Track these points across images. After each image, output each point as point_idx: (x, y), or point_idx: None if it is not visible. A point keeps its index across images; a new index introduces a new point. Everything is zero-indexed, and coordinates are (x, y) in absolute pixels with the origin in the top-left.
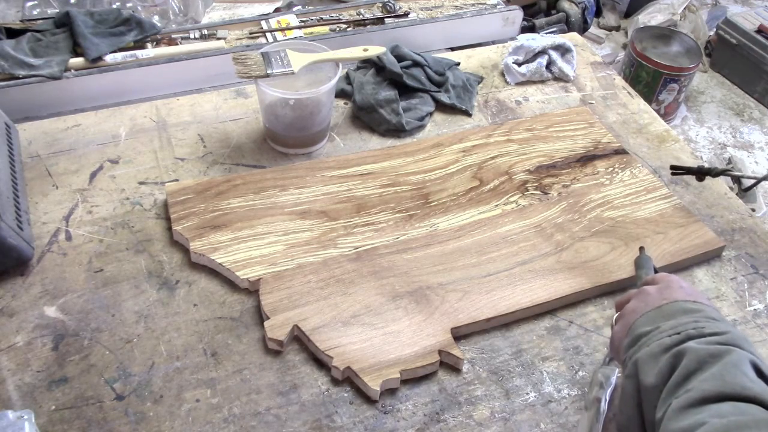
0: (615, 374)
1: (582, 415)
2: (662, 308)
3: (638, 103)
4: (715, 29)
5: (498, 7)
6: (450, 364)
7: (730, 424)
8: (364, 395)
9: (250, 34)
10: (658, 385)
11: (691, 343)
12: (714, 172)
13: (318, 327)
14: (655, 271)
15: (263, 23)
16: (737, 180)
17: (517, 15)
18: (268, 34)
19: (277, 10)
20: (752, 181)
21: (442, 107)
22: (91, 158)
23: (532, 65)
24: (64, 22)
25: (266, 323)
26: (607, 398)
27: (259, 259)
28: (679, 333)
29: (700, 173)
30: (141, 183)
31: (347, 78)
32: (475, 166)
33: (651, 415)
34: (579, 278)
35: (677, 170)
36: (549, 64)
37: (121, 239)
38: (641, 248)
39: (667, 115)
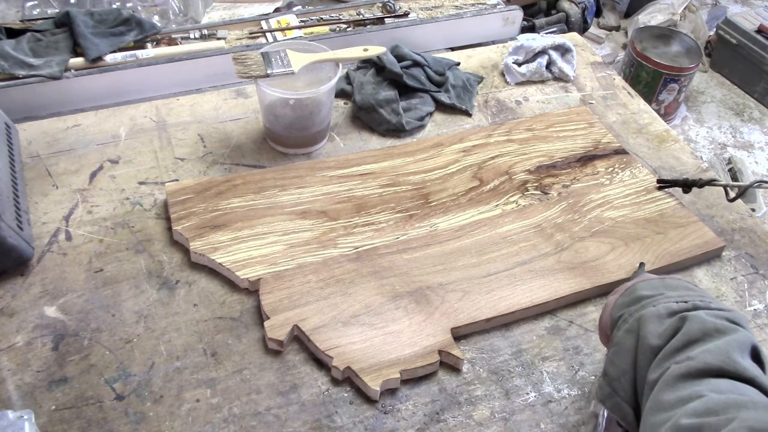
0: None
1: (579, 430)
2: (665, 280)
3: (638, 103)
4: (715, 29)
5: (498, 7)
6: (450, 364)
7: (729, 401)
8: (364, 395)
9: (250, 34)
10: (660, 346)
11: (699, 312)
12: (699, 184)
13: (318, 327)
14: None
15: (263, 23)
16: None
17: (517, 15)
18: (268, 34)
19: (277, 10)
20: (746, 184)
21: (442, 107)
22: (91, 158)
23: (532, 65)
24: (64, 22)
25: (266, 323)
26: (605, 414)
27: (259, 259)
28: (686, 302)
29: (686, 185)
30: (141, 183)
31: (347, 78)
32: (475, 166)
33: (645, 373)
34: (579, 278)
35: (663, 183)
36: (549, 64)
37: (121, 239)
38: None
39: (667, 115)
